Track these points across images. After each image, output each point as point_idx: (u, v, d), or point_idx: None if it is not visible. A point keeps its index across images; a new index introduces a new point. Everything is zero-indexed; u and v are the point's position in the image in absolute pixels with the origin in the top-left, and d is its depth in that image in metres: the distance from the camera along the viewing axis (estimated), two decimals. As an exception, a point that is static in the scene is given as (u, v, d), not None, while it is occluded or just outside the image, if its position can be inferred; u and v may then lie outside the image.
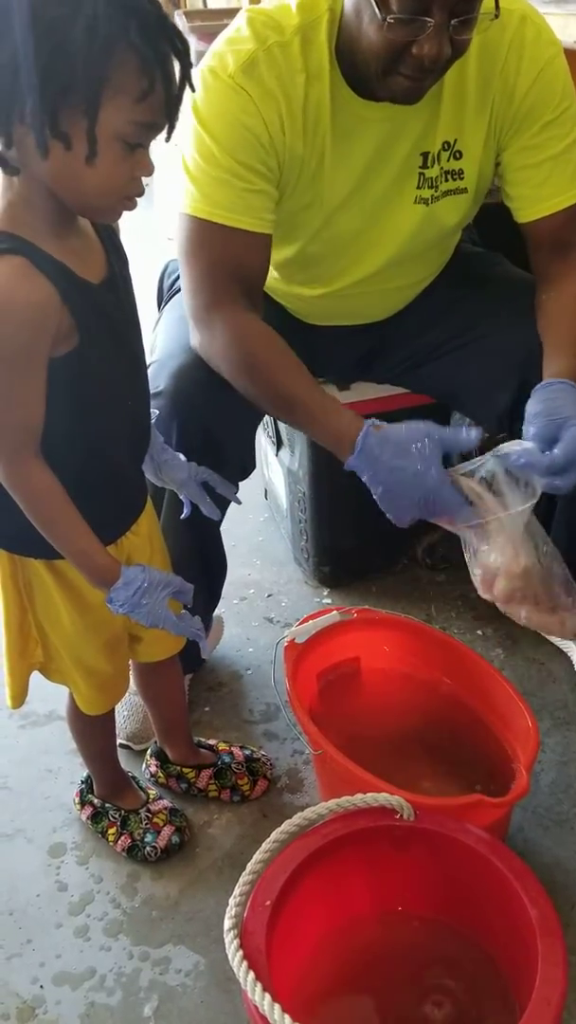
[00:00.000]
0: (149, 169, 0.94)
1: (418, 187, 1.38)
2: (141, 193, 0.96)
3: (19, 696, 1.23)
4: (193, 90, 0.98)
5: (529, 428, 1.23)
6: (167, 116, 0.93)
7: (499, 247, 1.63)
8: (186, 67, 0.93)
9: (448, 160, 1.38)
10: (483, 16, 1.19)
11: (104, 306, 1.03)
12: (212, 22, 3.36)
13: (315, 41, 1.28)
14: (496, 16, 1.21)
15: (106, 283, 1.04)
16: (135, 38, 0.86)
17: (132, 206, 0.98)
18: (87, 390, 1.04)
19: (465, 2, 1.15)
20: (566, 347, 1.34)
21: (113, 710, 1.34)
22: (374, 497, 1.22)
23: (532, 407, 1.25)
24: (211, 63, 1.29)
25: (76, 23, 0.84)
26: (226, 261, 1.33)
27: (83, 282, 0.99)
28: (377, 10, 1.17)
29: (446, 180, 1.39)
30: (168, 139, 0.97)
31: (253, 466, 1.51)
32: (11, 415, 0.99)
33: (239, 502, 1.38)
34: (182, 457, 1.27)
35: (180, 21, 3.57)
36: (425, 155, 1.37)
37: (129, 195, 0.96)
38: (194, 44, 2.75)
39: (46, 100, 0.86)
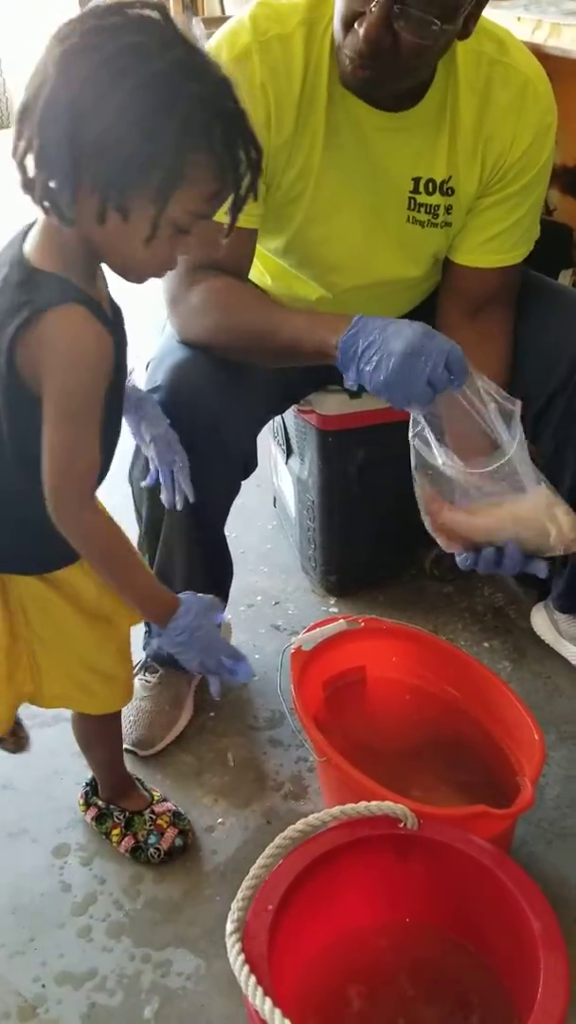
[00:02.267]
0: (192, 251, 0.98)
1: (409, 208, 1.40)
2: (175, 267, 0.99)
3: (3, 724, 1.23)
4: (256, 199, 1.00)
5: None
6: (230, 213, 0.97)
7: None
8: (255, 176, 0.96)
9: (442, 195, 1.39)
10: (450, 30, 1.18)
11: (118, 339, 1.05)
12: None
13: (319, 36, 1.29)
14: (466, 36, 1.23)
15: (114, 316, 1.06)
16: (218, 144, 0.90)
17: (162, 275, 1.01)
18: (112, 423, 1.07)
19: None
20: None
21: (120, 716, 1.35)
22: (380, 381, 1.17)
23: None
24: (207, 51, 1.30)
25: (170, 119, 0.86)
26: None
27: (112, 322, 1.02)
28: None
29: (437, 214, 1.40)
30: (228, 235, 1.00)
31: (255, 465, 1.51)
32: (79, 463, 1.00)
33: (191, 500, 1.33)
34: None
35: (198, 28, 3.59)
36: (417, 180, 1.38)
37: (166, 268, 0.99)
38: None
39: (121, 178, 0.88)
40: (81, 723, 1.34)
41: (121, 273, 1.00)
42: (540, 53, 1.41)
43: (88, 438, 1.00)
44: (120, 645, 1.23)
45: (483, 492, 1.26)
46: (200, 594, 1.15)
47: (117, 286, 1.05)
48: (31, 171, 0.90)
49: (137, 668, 1.59)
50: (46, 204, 0.92)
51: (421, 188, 1.38)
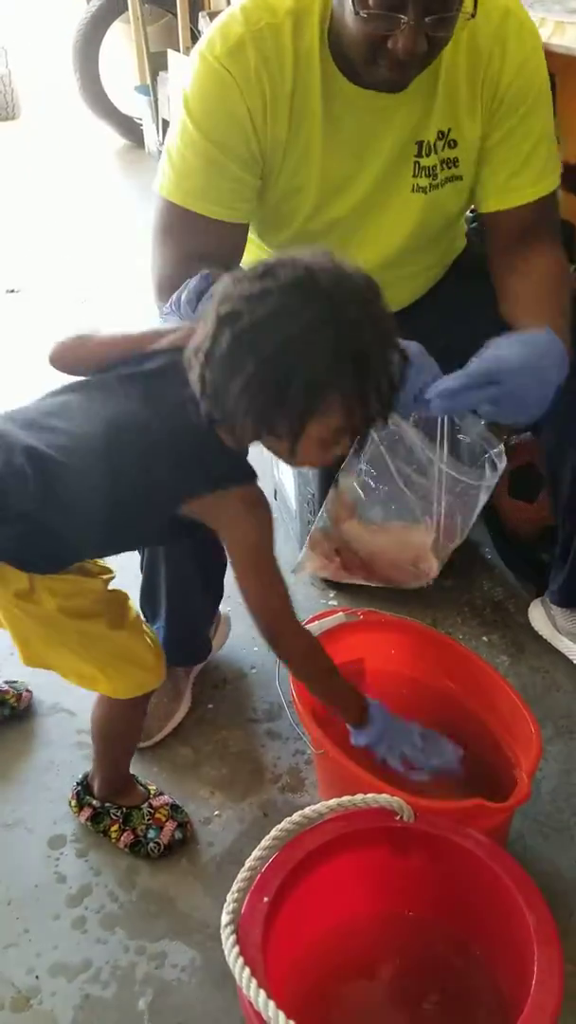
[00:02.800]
0: (344, 452, 1.12)
1: (414, 175, 1.40)
2: (331, 462, 1.17)
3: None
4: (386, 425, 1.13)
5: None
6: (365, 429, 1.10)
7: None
8: (388, 407, 1.05)
9: (444, 149, 1.39)
10: (460, 16, 1.21)
11: None
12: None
13: (307, 24, 1.29)
14: (472, 16, 1.23)
15: None
16: (348, 387, 0.99)
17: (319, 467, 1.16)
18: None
19: (439, 1, 1.16)
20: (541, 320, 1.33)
21: (145, 708, 1.35)
22: None
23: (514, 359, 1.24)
24: (201, 45, 1.31)
25: (295, 380, 0.97)
26: (197, 247, 1.35)
27: None
28: (352, 3, 1.19)
29: (444, 168, 1.41)
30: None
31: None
32: (273, 601, 1.17)
33: None
34: None
35: (204, 22, 3.58)
36: (420, 144, 1.38)
37: (322, 464, 1.14)
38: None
39: (264, 417, 1.01)
40: (107, 709, 1.32)
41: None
42: (544, 51, 1.40)
43: (274, 580, 1.17)
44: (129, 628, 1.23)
45: (399, 510, 1.40)
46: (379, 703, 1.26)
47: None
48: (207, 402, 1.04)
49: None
50: (216, 419, 1.05)
51: (423, 151, 1.38)
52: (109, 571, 1.24)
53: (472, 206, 1.53)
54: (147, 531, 1.24)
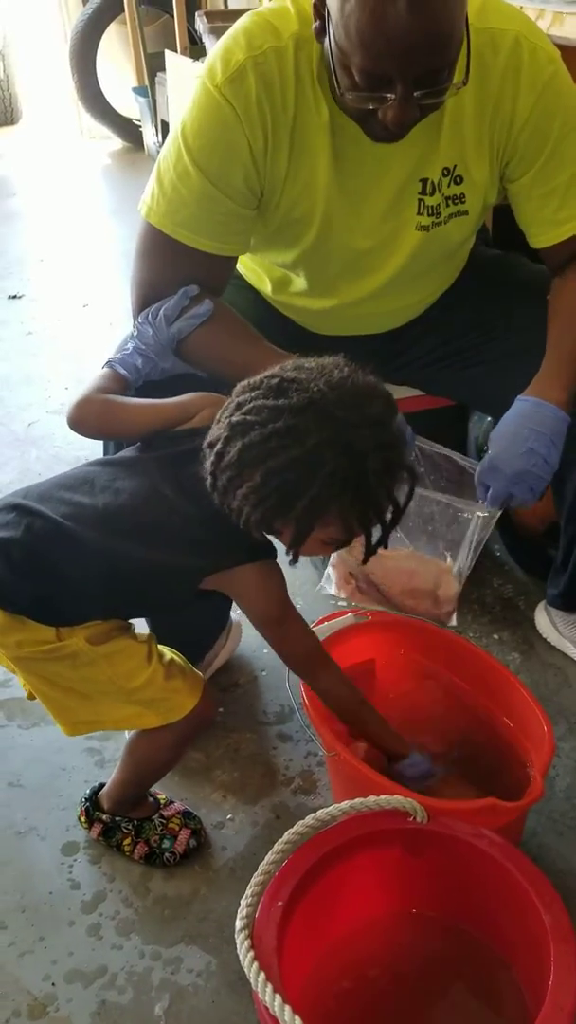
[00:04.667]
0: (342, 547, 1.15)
1: (418, 213, 1.36)
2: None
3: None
4: (378, 549, 1.15)
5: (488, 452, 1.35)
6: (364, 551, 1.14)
7: (514, 245, 1.62)
8: (392, 524, 1.10)
9: (449, 186, 1.35)
10: (451, 87, 1.16)
11: None
12: (232, 23, 3.35)
13: (310, 52, 1.24)
14: (464, 83, 1.19)
15: None
16: (349, 509, 1.04)
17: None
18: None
19: (431, 76, 1.12)
20: (550, 360, 1.38)
21: (186, 744, 1.36)
22: None
23: (492, 441, 1.35)
24: (203, 71, 1.27)
25: (299, 494, 1.01)
26: (184, 275, 1.33)
27: None
28: (336, 80, 1.16)
29: (449, 205, 1.37)
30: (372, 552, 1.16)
31: None
32: (299, 648, 1.24)
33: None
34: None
35: (200, 23, 3.57)
36: (424, 181, 1.34)
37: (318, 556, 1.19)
38: (212, 46, 2.74)
39: (268, 523, 1.06)
40: (156, 740, 1.29)
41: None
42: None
43: (293, 628, 1.23)
44: (148, 674, 1.22)
45: (404, 536, 1.42)
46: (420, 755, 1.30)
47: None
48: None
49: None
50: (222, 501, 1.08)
51: (427, 189, 1.35)
52: None
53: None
54: (163, 602, 1.26)
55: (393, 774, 1.27)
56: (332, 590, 1.50)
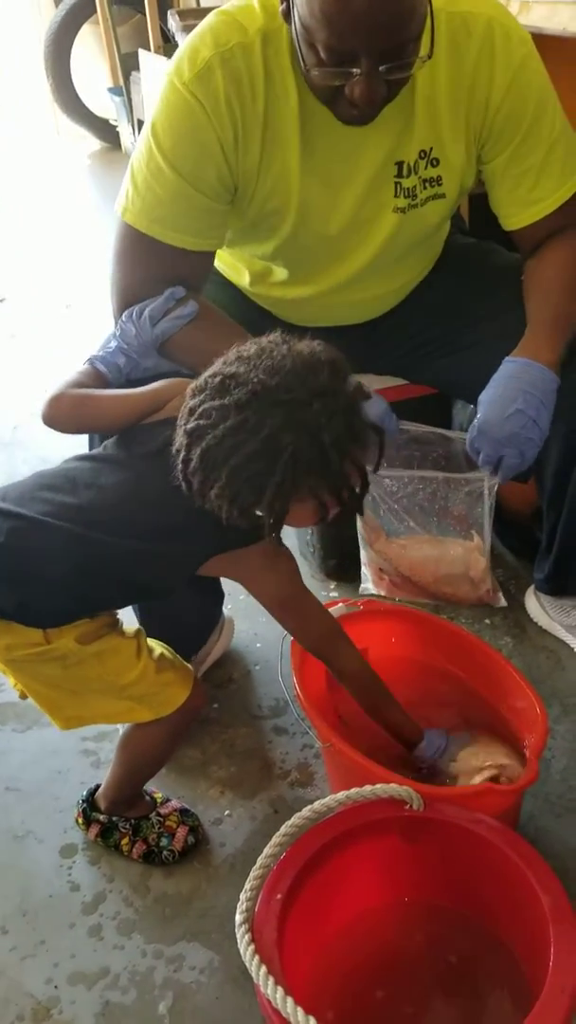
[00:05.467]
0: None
1: (395, 196, 1.36)
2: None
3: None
4: (361, 514, 1.18)
5: (477, 415, 1.32)
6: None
7: (489, 233, 1.62)
8: (365, 486, 1.09)
9: (426, 168, 1.35)
10: (418, 59, 1.16)
11: None
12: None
13: (278, 46, 1.24)
14: (430, 56, 1.19)
15: None
16: (315, 484, 1.04)
17: None
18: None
19: (395, 50, 1.13)
20: (536, 323, 1.36)
21: (179, 738, 1.35)
22: None
23: (480, 404, 1.32)
24: (170, 69, 1.26)
25: (268, 480, 1.01)
26: (164, 272, 1.32)
27: None
28: (301, 57, 1.17)
29: (425, 188, 1.37)
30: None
31: None
32: (314, 629, 1.25)
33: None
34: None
35: (173, 21, 3.55)
36: (400, 164, 1.34)
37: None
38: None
39: (234, 508, 1.03)
40: (149, 734, 1.29)
41: None
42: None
43: (309, 612, 1.24)
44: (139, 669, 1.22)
45: (417, 523, 1.40)
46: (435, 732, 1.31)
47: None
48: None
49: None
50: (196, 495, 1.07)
51: (403, 172, 1.35)
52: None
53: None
54: (156, 587, 1.23)
55: (415, 762, 1.27)
56: (372, 589, 1.48)
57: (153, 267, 1.33)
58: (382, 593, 1.46)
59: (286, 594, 1.21)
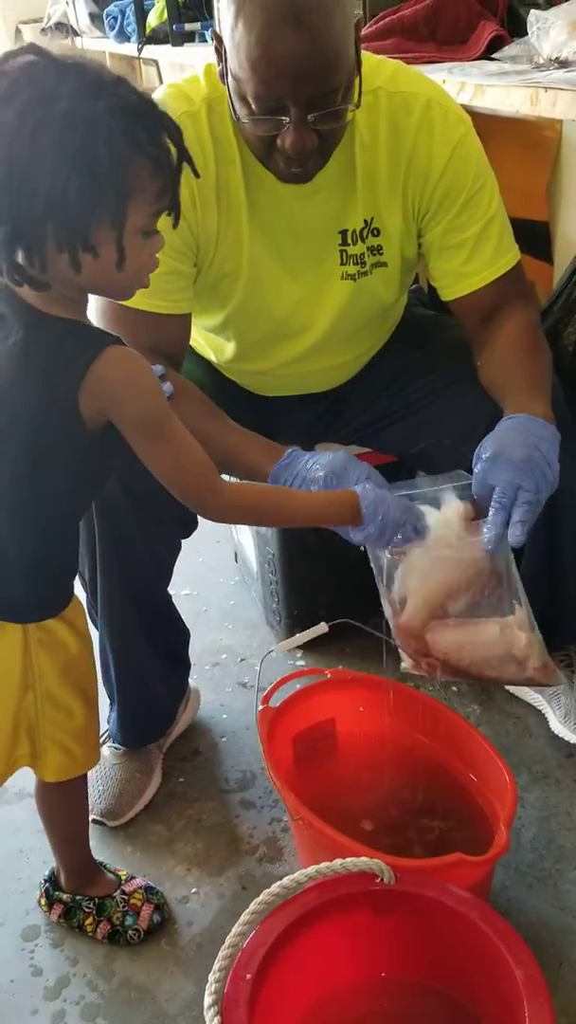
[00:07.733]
0: (161, 244, 1.02)
1: (342, 263, 1.40)
2: (156, 267, 1.04)
3: None
4: (191, 162, 1.03)
5: (476, 467, 1.24)
6: (173, 195, 1.01)
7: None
8: (180, 146, 0.99)
9: (368, 237, 1.40)
10: (348, 109, 1.21)
11: None
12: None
13: (222, 113, 1.30)
14: (357, 106, 1.23)
15: None
16: (144, 143, 0.94)
17: (148, 282, 1.05)
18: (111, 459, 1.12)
19: (322, 97, 1.17)
20: (517, 389, 1.34)
21: (86, 784, 1.31)
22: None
23: (485, 446, 1.24)
24: None
25: (97, 147, 0.90)
26: (142, 341, 1.32)
27: None
28: (233, 111, 1.22)
29: (371, 255, 1.41)
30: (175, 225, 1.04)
31: (195, 524, 1.49)
32: (190, 466, 1.07)
33: None
34: None
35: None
36: (344, 233, 1.38)
37: (149, 272, 1.03)
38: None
39: (79, 223, 0.92)
40: (47, 794, 1.29)
41: (110, 296, 1.10)
42: (467, 112, 1.43)
43: (184, 442, 1.06)
44: (89, 698, 1.21)
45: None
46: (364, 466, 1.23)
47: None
48: None
49: (104, 736, 1.56)
50: (16, 278, 0.97)
51: (348, 240, 1.39)
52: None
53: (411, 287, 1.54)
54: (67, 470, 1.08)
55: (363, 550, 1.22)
56: (411, 669, 1.34)
57: (131, 337, 1.33)
58: (422, 674, 1.33)
59: (151, 411, 1.04)
